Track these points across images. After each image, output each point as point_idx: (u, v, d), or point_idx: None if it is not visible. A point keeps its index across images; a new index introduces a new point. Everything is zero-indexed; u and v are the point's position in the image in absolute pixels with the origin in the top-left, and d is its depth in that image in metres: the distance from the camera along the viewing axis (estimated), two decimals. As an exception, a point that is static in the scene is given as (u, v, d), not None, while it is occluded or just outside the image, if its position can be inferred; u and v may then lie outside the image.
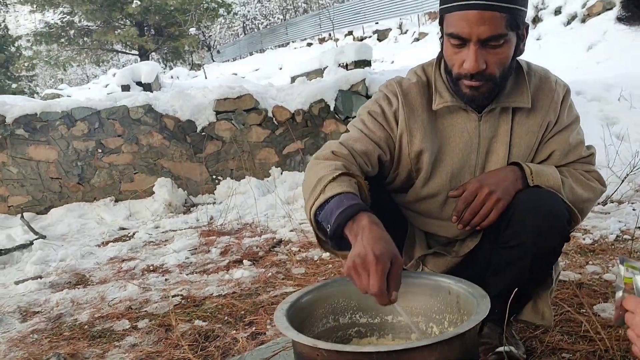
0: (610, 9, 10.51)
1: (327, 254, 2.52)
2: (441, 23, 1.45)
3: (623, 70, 7.45)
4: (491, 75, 1.37)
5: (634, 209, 3.09)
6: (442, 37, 1.47)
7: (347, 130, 1.60)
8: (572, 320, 1.90)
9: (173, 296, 2.66)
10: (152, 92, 5.98)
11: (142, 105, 4.81)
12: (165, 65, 27.75)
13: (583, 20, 10.83)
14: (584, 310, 1.99)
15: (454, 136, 1.53)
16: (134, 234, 4.07)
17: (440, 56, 1.54)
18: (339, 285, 1.25)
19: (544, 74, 1.55)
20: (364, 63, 5.70)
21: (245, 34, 34.49)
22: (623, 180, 3.45)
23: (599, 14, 10.58)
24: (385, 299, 1.08)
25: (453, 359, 0.97)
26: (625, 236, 2.81)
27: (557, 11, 11.68)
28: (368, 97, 5.09)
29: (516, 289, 1.47)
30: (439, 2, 1.47)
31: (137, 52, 23.34)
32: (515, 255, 1.48)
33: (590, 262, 2.46)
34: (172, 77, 16.30)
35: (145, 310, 2.51)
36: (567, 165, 1.58)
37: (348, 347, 0.89)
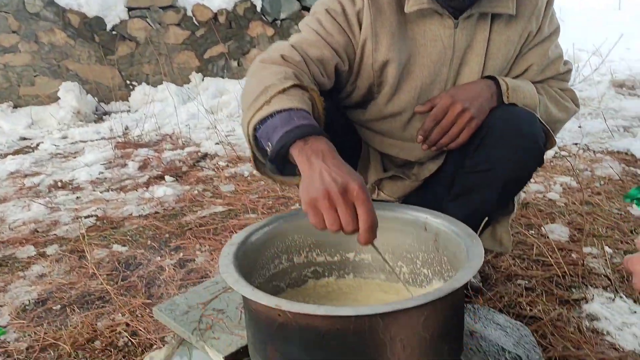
0: None
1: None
2: None
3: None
4: None
5: (579, 126, 3.05)
6: None
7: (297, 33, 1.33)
8: (523, 243, 1.83)
9: (86, 217, 2.37)
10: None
11: (40, -4, 4.20)
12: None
13: None
14: (534, 232, 1.92)
15: (426, 45, 1.30)
16: (37, 145, 3.64)
17: None
18: (294, 220, 1.04)
19: None
20: (293, -40, 5.23)
21: None
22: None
23: None
24: (374, 234, 0.87)
25: (443, 314, 0.80)
26: (563, 152, 2.77)
27: None
28: (298, -2, 4.71)
29: (486, 219, 1.34)
30: None
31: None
32: (484, 181, 1.33)
33: (532, 180, 2.40)
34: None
35: (54, 234, 2.22)
36: (544, 82, 1.41)
37: (321, 310, 0.70)
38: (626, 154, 2.71)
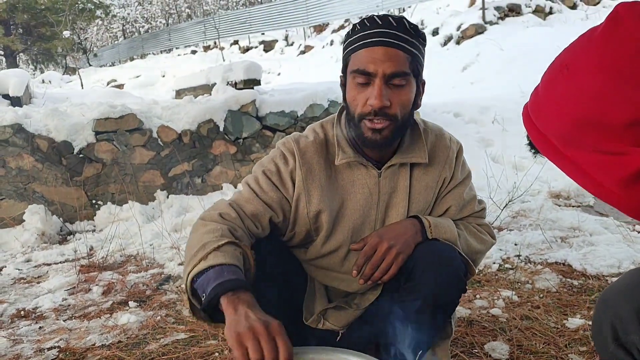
0: (482, 32, 11.28)
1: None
2: (345, 69, 1.45)
3: (495, 92, 8.00)
4: (394, 116, 1.38)
5: (515, 244, 3.27)
6: (344, 83, 1.46)
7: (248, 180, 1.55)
8: (466, 363, 1.96)
9: (48, 349, 2.41)
10: (21, 106, 5.47)
11: (11, 124, 4.38)
12: (35, 68, 25.87)
13: (458, 42, 11.53)
14: (476, 351, 2.05)
15: (355, 192, 1.52)
16: (0, 269, 3.67)
17: (342, 111, 1.54)
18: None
19: (439, 132, 1.59)
20: (254, 82, 5.62)
21: (125, 37, 33.00)
22: (502, 209, 3.66)
23: (472, 36, 11.32)
24: None
25: None
26: (506, 265, 2.97)
27: (435, 32, 12.34)
28: (258, 118, 5.02)
29: (420, 352, 1.48)
30: (342, 49, 1.47)
31: (1, 52, 21.48)
32: (416, 309, 1.49)
33: (478, 296, 2.57)
34: (43, 82, 15.12)
35: (17, 369, 2.25)
36: (462, 220, 1.62)
37: None
38: (563, 264, 2.92)
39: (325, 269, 1.64)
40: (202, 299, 1.18)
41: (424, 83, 1.48)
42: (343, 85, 1.48)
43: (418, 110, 1.59)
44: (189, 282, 1.23)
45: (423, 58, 1.44)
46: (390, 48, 1.34)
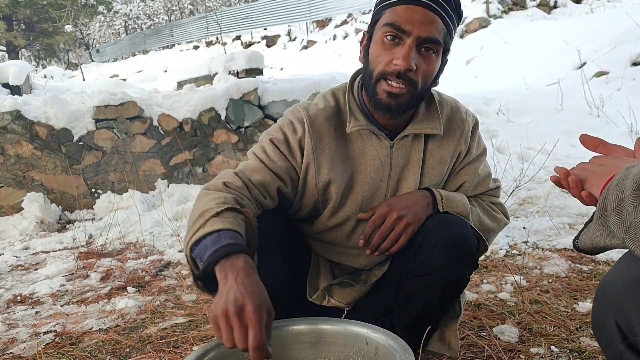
0: (486, 26, 11.21)
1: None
2: (373, 25, 1.36)
3: (499, 85, 7.93)
4: (415, 82, 1.30)
5: (524, 227, 3.20)
6: (368, 39, 1.37)
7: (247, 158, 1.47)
8: (474, 345, 1.89)
9: (44, 333, 2.35)
10: (21, 95, 5.41)
11: (9, 111, 4.32)
12: (38, 64, 25.86)
13: (462, 36, 11.45)
14: (485, 334, 1.99)
15: (365, 163, 1.45)
16: (-2, 257, 3.61)
17: (355, 77, 1.47)
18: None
19: (455, 104, 1.52)
20: (256, 71, 5.55)
21: (127, 33, 32.94)
22: (509, 196, 3.59)
23: (476, 30, 11.25)
24: (264, 354, 0.94)
25: None
26: (513, 251, 2.90)
27: (438, 26, 12.25)
28: (260, 106, 4.96)
29: (429, 328, 1.42)
30: (375, 5, 1.39)
31: (4, 48, 21.45)
32: (424, 284, 1.43)
33: (485, 280, 2.50)
34: (45, 77, 15.08)
35: (11, 353, 2.18)
36: (476, 197, 1.56)
37: None
38: (572, 250, 2.85)
39: (330, 243, 1.58)
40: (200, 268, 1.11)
41: (446, 62, 1.41)
42: (366, 42, 1.38)
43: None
44: (188, 252, 1.16)
45: (452, 39, 1.37)
46: (431, 12, 1.26)
